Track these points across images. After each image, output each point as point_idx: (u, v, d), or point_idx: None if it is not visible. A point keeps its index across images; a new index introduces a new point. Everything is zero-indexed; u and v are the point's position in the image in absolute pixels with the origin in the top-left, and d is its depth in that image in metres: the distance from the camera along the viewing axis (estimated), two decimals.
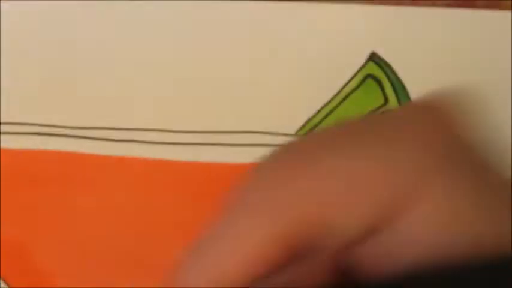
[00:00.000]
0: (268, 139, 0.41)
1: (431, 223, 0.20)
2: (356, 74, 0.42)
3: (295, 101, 0.42)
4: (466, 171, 0.20)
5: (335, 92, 0.42)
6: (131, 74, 0.42)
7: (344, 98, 0.42)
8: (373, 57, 0.42)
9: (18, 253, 0.42)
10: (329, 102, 0.42)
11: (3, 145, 0.41)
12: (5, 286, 0.42)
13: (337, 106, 0.42)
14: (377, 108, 0.42)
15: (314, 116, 0.42)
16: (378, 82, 0.42)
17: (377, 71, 0.42)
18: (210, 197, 0.41)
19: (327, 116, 0.42)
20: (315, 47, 0.42)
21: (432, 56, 0.43)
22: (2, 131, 0.41)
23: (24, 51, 0.42)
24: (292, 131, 0.42)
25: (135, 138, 0.41)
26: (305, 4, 0.42)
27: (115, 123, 0.41)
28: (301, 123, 0.42)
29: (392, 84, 0.42)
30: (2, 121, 0.41)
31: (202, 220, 0.41)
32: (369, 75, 0.42)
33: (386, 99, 0.42)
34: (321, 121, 0.42)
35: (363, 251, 0.21)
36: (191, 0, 0.42)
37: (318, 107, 0.42)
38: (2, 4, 0.42)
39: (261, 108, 0.42)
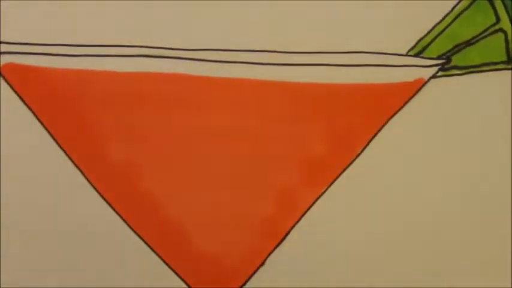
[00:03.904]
0: (378, 59, 0.41)
1: None
2: None
3: (405, 21, 0.41)
4: None
5: (447, 11, 0.41)
6: None
7: (455, 18, 0.41)
8: None
9: (126, 175, 0.42)
10: (440, 21, 0.41)
11: (110, 67, 0.41)
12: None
13: (448, 26, 0.41)
14: (489, 27, 0.41)
15: (425, 36, 0.41)
16: (489, 1, 0.41)
17: None
18: (320, 117, 0.41)
19: (438, 35, 0.41)
20: None
21: None
22: (109, 53, 0.41)
23: None
24: (403, 51, 0.41)
25: (244, 59, 0.40)
26: None
27: (223, 44, 0.41)
28: (412, 43, 0.41)
29: (504, 3, 0.41)
30: (108, 43, 0.41)
31: (313, 139, 0.41)
32: None
33: (498, 18, 0.41)
34: (432, 41, 0.41)
35: None
36: None
37: (429, 27, 0.41)
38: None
39: (372, 28, 0.41)
